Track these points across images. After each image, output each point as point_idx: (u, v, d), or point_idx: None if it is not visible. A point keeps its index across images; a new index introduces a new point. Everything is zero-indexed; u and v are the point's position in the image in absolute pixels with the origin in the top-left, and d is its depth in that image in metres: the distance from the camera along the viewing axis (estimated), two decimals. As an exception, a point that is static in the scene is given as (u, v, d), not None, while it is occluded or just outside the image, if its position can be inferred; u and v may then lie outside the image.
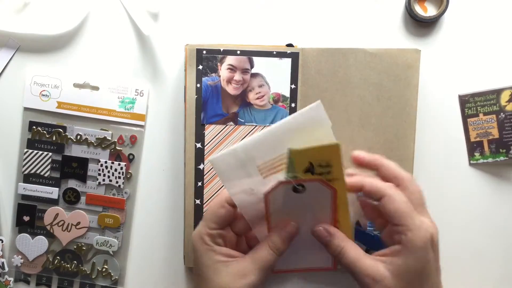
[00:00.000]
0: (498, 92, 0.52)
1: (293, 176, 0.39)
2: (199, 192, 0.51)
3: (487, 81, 0.52)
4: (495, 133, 0.52)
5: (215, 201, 0.42)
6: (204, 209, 0.51)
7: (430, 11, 0.53)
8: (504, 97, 0.52)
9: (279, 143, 0.39)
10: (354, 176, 0.42)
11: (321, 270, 0.47)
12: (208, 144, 0.51)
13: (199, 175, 0.51)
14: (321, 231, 0.42)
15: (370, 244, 0.51)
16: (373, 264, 0.39)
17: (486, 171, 0.53)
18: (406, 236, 0.38)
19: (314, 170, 0.39)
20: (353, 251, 0.41)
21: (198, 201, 0.51)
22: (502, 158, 0.52)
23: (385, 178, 0.42)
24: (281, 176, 0.39)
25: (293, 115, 0.39)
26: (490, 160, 0.52)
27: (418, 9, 0.53)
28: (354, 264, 0.40)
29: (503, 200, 0.53)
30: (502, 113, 0.52)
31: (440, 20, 0.53)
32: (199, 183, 0.51)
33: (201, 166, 0.51)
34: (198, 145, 0.51)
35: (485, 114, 0.52)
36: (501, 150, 0.52)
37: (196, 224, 0.51)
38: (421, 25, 0.53)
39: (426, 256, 0.38)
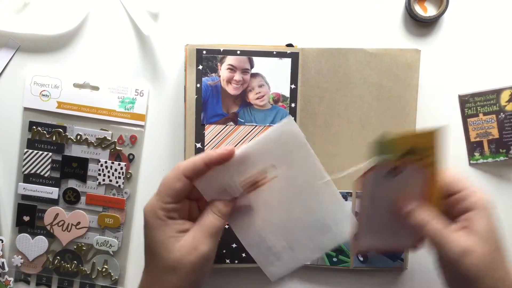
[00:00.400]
0: (498, 92, 0.52)
1: (385, 160, 0.39)
2: None
3: (487, 81, 0.53)
4: (495, 133, 0.52)
5: (171, 173, 0.40)
6: None
7: (430, 11, 0.53)
8: (504, 97, 0.52)
9: (258, 159, 0.40)
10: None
11: (404, 248, 0.48)
12: (208, 144, 0.51)
13: (199, 175, 0.51)
14: (406, 203, 0.41)
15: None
16: (460, 234, 0.38)
17: (486, 171, 0.53)
18: (475, 196, 0.38)
19: (409, 156, 0.40)
20: (438, 221, 0.39)
21: None
22: (502, 158, 0.52)
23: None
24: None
25: (266, 131, 0.40)
26: (490, 160, 0.52)
27: (418, 9, 0.53)
28: (440, 234, 0.38)
29: (503, 200, 0.53)
30: (502, 113, 0.52)
31: (440, 20, 0.53)
32: (199, 183, 0.51)
33: (201, 166, 0.51)
34: (198, 145, 0.51)
35: (485, 114, 0.52)
36: (501, 150, 0.52)
37: None
38: (421, 25, 0.53)
39: (493, 211, 0.38)
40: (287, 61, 0.51)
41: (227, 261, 0.52)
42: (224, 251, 0.51)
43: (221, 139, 0.51)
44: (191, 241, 0.39)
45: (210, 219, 0.40)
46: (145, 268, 0.42)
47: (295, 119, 0.51)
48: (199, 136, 0.51)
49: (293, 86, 0.51)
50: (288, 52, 0.51)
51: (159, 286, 0.40)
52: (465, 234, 0.38)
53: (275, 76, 0.51)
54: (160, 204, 0.40)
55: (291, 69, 0.51)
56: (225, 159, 0.40)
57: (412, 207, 0.40)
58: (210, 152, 0.40)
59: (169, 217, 0.40)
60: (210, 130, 0.51)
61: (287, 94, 0.51)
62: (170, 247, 0.39)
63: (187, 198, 0.42)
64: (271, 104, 0.51)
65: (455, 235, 0.38)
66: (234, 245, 0.51)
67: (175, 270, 0.39)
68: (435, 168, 0.40)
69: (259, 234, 0.43)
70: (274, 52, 0.51)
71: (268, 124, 0.51)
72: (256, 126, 0.51)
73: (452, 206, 0.40)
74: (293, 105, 0.51)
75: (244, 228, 0.43)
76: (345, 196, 0.51)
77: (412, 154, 0.39)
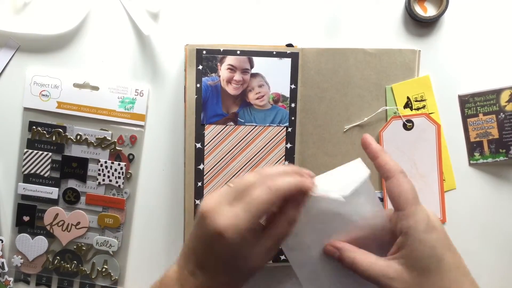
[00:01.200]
0: (498, 92, 0.52)
1: (396, 113, 0.40)
2: (199, 193, 0.51)
3: (487, 81, 0.53)
4: (495, 133, 0.52)
5: (268, 196, 0.37)
6: None
7: (430, 11, 0.53)
8: (504, 97, 0.52)
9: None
10: (376, 145, 0.41)
11: None
12: (208, 144, 0.51)
13: (199, 175, 0.51)
14: (330, 249, 0.41)
15: None
16: (387, 264, 0.39)
17: (486, 171, 0.53)
18: (408, 221, 0.38)
19: (412, 105, 0.40)
20: (365, 258, 0.40)
21: (198, 202, 0.51)
22: (502, 158, 0.52)
23: (379, 168, 0.41)
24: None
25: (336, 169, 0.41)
26: (490, 160, 0.52)
27: (418, 9, 0.53)
28: (369, 269, 0.39)
29: (503, 200, 0.53)
30: (502, 113, 0.52)
31: (440, 20, 0.53)
32: (199, 183, 0.51)
33: (201, 166, 0.51)
34: (198, 145, 0.51)
35: (485, 114, 0.52)
36: (500, 150, 0.52)
37: None
38: (421, 25, 0.53)
39: (431, 239, 0.38)
40: (287, 61, 0.51)
41: None
42: None
43: (221, 139, 0.51)
44: (266, 253, 0.39)
45: (284, 229, 0.39)
46: (198, 269, 0.39)
47: (295, 119, 0.51)
48: (199, 136, 0.51)
49: (293, 86, 0.51)
50: (288, 52, 0.51)
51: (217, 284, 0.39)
52: (393, 263, 0.39)
53: (275, 76, 0.51)
54: (247, 225, 0.36)
55: (291, 69, 0.51)
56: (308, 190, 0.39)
57: (333, 251, 0.41)
58: (303, 180, 0.39)
59: (251, 234, 0.38)
60: (210, 130, 0.51)
61: (287, 94, 0.51)
62: (248, 256, 0.38)
63: None
64: (271, 104, 0.51)
65: (382, 265, 0.39)
66: None
67: (248, 276, 0.39)
68: (436, 119, 0.40)
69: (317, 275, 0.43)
70: (274, 52, 0.51)
71: (268, 124, 0.51)
72: (256, 126, 0.51)
73: (395, 222, 0.39)
74: (293, 105, 0.51)
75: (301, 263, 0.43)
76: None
77: (410, 106, 0.40)
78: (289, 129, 0.51)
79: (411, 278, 0.38)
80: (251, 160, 0.51)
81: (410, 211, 0.38)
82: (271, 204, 0.37)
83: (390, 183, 0.39)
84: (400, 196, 0.39)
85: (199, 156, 0.51)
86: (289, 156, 0.52)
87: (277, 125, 0.51)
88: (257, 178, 0.38)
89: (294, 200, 0.39)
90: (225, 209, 0.36)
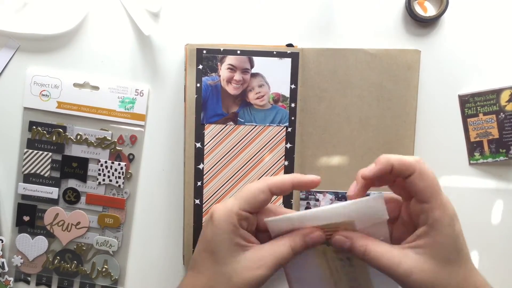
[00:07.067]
0: (498, 92, 0.52)
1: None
2: (198, 192, 0.51)
3: (487, 81, 0.53)
4: (495, 133, 0.52)
5: (257, 184, 0.39)
6: (203, 209, 0.51)
7: (430, 11, 0.53)
8: (504, 97, 0.52)
9: (334, 217, 0.39)
10: (380, 158, 0.39)
11: None
12: (208, 144, 0.51)
13: (198, 175, 0.51)
14: (340, 239, 0.40)
15: None
16: (402, 253, 0.37)
17: (486, 171, 0.53)
18: (433, 214, 0.37)
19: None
20: (378, 245, 0.38)
21: (197, 201, 0.51)
22: (502, 158, 0.52)
23: (400, 172, 0.39)
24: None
25: (354, 201, 0.38)
26: (490, 160, 0.52)
27: (418, 9, 0.53)
28: (382, 258, 0.37)
29: (503, 200, 0.53)
30: (502, 113, 0.52)
31: (440, 20, 0.53)
32: (199, 183, 0.51)
33: (200, 166, 0.51)
34: (198, 144, 0.51)
35: (485, 114, 0.52)
36: (501, 150, 0.52)
37: (196, 224, 0.51)
38: (421, 25, 0.53)
39: (454, 231, 0.37)
40: (287, 61, 0.51)
41: None
42: None
43: (221, 139, 0.51)
44: (258, 258, 0.38)
45: (285, 249, 0.39)
46: (195, 267, 0.40)
47: (294, 119, 0.51)
48: (199, 136, 0.51)
49: (293, 86, 0.51)
50: (288, 52, 0.51)
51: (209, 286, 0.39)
52: (409, 252, 0.37)
53: (275, 76, 0.51)
54: (236, 210, 0.38)
55: (291, 69, 0.51)
56: (312, 185, 0.40)
57: (344, 241, 0.39)
58: (299, 175, 0.40)
59: (240, 224, 0.39)
60: (210, 130, 0.51)
61: (287, 94, 0.51)
62: (236, 254, 0.38)
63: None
64: (271, 104, 0.51)
65: (397, 255, 0.37)
66: None
67: (230, 279, 0.38)
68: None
69: None
70: (274, 52, 0.51)
71: (268, 124, 0.51)
72: (256, 126, 0.51)
73: (416, 215, 0.38)
74: (293, 105, 0.51)
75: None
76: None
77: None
78: (289, 129, 0.51)
79: (430, 268, 0.36)
80: (251, 160, 0.51)
81: (436, 204, 0.37)
82: (261, 191, 0.39)
83: (411, 179, 0.37)
84: (425, 190, 0.37)
85: (199, 155, 0.51)
86: (289, 156, 0.52)
87: (277, 125, 0.51)
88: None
89: (306, 232, 0.40)
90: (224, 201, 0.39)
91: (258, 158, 0.52)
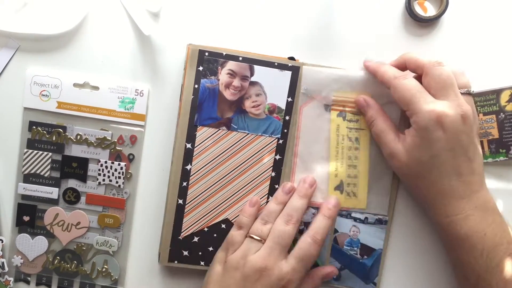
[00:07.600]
0: (498, 92, 0.52)
1: None
2: (182, 192, 0.51)
3: (487, 81, 0.52)
4: (495, 133, 0.52)
5: (317, 251, 0.47)
6: (185, 210, 0.51)
7: (430, 11, 0.53)
8: (504, 97, 0.52)
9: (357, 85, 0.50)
10: (372, 64, 0.49)
11: None
12: (198, 146, 0.51)
13: (185, 175, 0.51)
14: (360, 100, 0.49)
15: (346, 263, 0.52)
16: (395, 139, 0.46)
17: (486, 171, 0.53)
18: (412, 119, 0.44)
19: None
20: (383, 123, 0.48)
21: (180, 201, 0.51)
22: (502, 158, 0.52)
23: (412, 70, 0.48)
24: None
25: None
26: (490, 160, 0.52)
27: (418, 9, 0.53)
28: (380, 134, 0.47)
29: (503, 200, 0.53)
30: (502, 113, 0.52)
31: (440, 20, 0.53)
32: (184, 183, 0.51)
33: (188, 167, 0.51)
34: (188, 145, 0.51)
35: (485, 114, 0.52)
36: (501, 150, 0.52)
37: (176, 224, 0.51)
38: (421, 25, 0.53)
39: (429, 135, 0.43)
40: (288, 74, 0.51)
41: (202, 263, 0.52)
42: (200, 253, 0.51)
43: (212, 143, 0.51)
44: None
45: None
46: None
47: (287, 132, 0.51)
48: (190, 137, 0.51)
49: (289, 99, 0.51)
50: (290, 65, 0.51)
51: None
52: (399, 142, 0.46)
53: (274, 87, 0.51)
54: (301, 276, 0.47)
55: (290, 82, 0.51)
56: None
57: (363, 104, 0.50)
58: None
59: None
60: (202, 132, 0.51)
61: (283, 106, 0.51)
62: None
63: None
64: (266, 114, 0.51)
65: (390, 139, 0.47)
66: (210, 248, 0.51)
67: None
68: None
69: None
70: (276, 63, 0.51)
71: (260, 133, 0.51)
72: (248, 134, 0.51)
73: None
74: (287, 117, 0.51)
75: None
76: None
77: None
78: (280, 141, 0.51)
79: (405, 160, 0.45)
80: (239, 167, 0.51)
81: (416, 109, 0.44)
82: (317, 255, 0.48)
83: (392, 90, 0.46)
84: (399, 101, 0.45)
85: (188, 156, 0.51)
86: (277, 168, 0.51)
87: (269, 136, 0.51)
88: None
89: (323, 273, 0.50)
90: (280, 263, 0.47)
91: (246, 166, 0.51)
